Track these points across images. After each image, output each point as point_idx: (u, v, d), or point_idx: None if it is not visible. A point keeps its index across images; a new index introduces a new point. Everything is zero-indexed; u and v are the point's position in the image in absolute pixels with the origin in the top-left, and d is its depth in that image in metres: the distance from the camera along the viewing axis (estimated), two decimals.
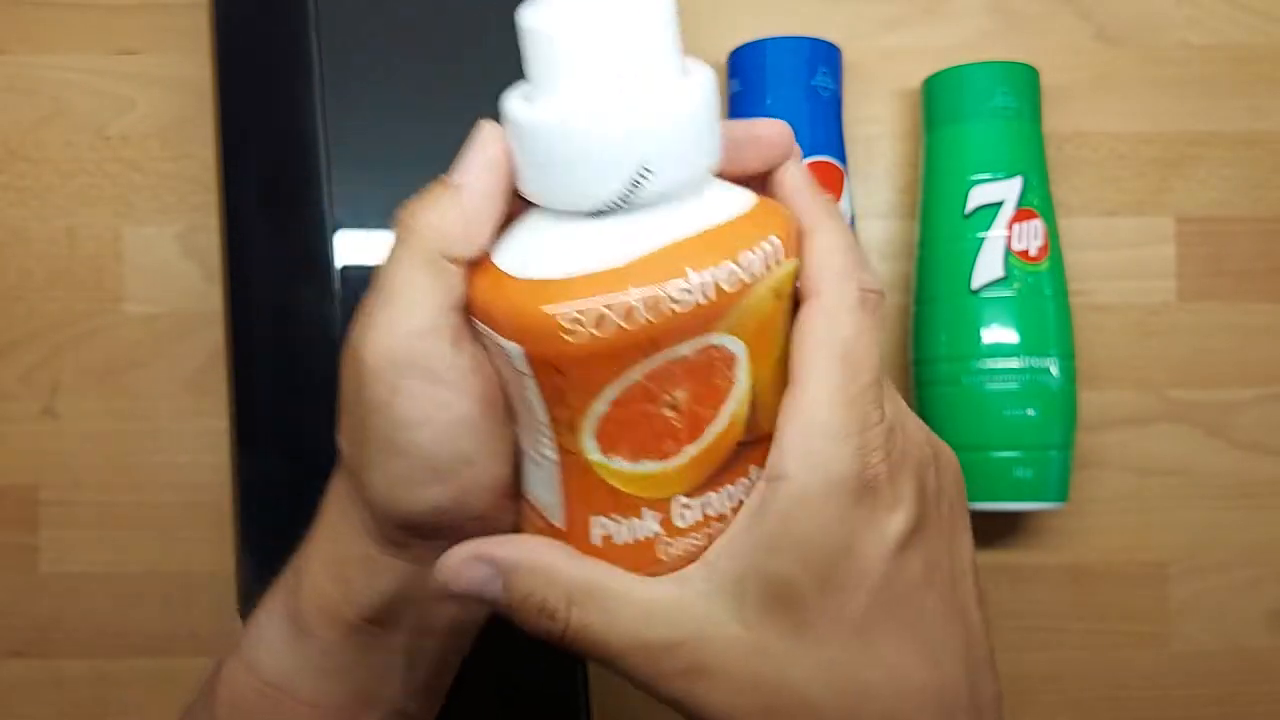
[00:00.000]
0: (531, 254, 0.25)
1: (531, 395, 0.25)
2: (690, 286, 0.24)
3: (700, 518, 0.26)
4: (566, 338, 0.24)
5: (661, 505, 0.26)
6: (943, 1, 0.51)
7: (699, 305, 0.24)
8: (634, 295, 0.23)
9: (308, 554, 0.30)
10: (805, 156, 0.46)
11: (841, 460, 0.24)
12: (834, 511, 0.24)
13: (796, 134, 0.46)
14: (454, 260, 0.25)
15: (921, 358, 0.48)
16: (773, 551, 0.24)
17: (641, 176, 0.24)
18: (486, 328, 0.25)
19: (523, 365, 0.25)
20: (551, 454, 0.26)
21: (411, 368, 0.25)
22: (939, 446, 0.28)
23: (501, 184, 0.25)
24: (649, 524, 0.26)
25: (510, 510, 0.28)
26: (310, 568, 0.30)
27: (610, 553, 0.26)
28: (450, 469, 0.26)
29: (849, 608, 0.25)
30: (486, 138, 0.25)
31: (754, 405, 0.26)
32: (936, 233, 0.47)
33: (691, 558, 0.26)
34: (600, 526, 0.26)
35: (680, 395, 0.25)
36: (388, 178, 0.40)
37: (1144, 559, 0.50)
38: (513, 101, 0.25)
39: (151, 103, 0.50)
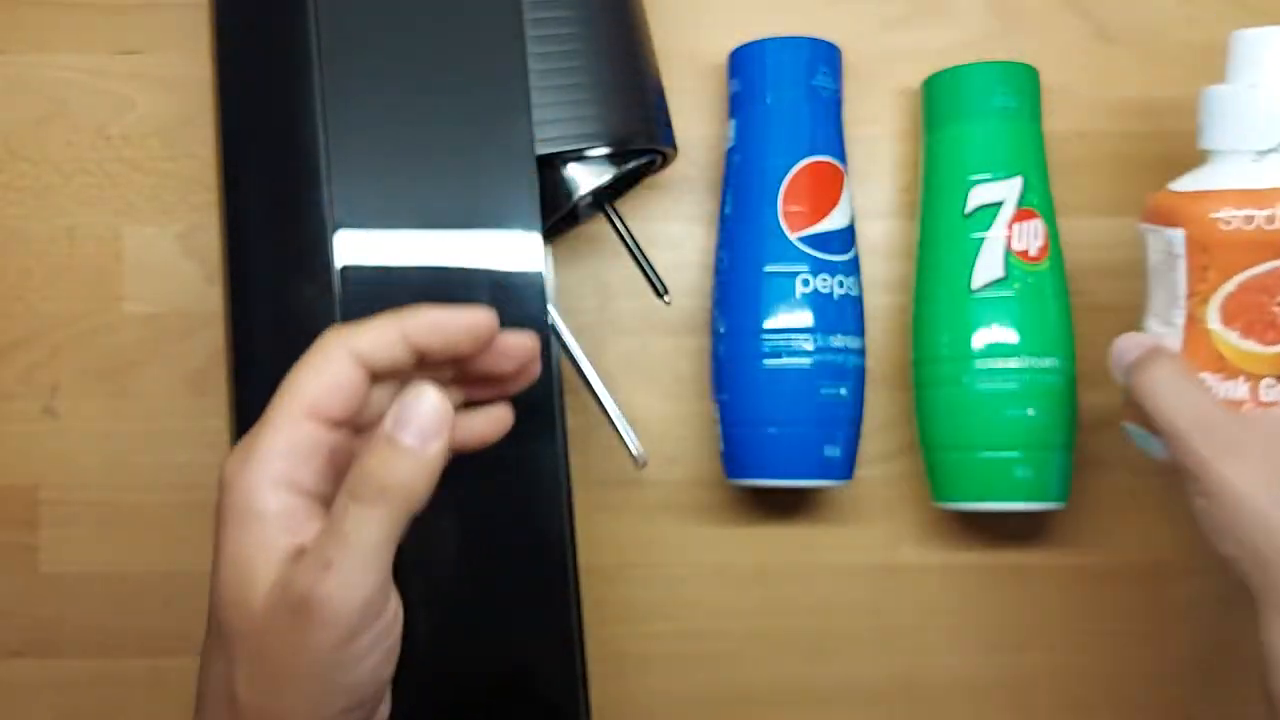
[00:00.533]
0: (1202, 179, 0.39)
1: (1179, 274, 0.39)
2: None
3: (1278, 399, 0.38)
4: (1219, 226, 0.38)
5: (1253, 379, 0.38)
6: (943, 1, 0.51)
7: None
8: (1274, 208, 0.37)
9: None
10: (805, 156, 0.46)
11: None
12: None
13: (796, 134, 0.47)
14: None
15: (922, 357, 0.48)
16: None
17: None
18: (1158, 225, 0.39)
19: (1180, 248, 0.39)
20: (1180, 319, 0.39)
21: (371, 616, 0.29)
22: None
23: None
24: (1240, 389, 0.38)
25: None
26: None
27: None
28: (376, 693, 0.31)
29: None
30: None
31: None
32: (936, 233, 0.47)
33: None
34: (1203, 379, 0.39)
35: None
36: (388, 178, 0.40)
37: (1144, 559, 0.50)
38: (1213, 88, 0.40)
39: (151, 103, 0.50)
